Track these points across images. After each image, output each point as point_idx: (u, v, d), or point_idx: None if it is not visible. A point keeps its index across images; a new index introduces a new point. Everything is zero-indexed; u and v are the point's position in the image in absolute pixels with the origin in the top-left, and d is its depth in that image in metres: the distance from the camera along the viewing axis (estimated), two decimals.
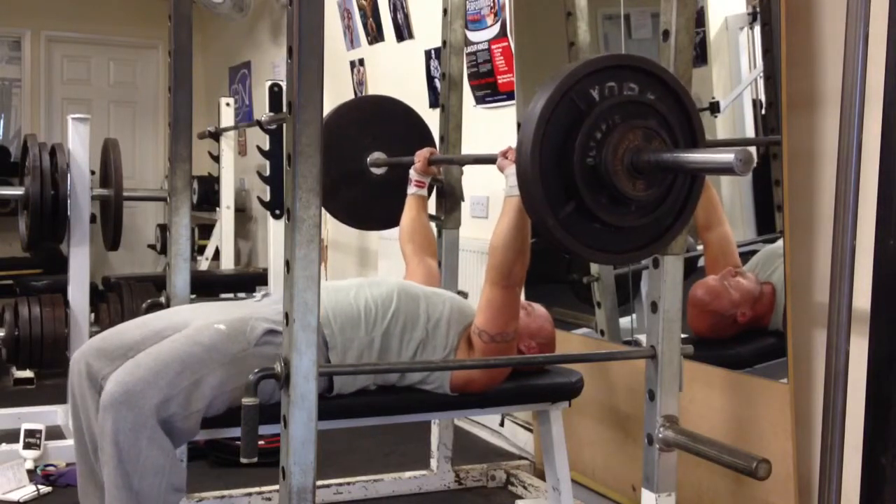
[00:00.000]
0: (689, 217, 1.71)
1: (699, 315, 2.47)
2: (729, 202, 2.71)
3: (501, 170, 2.27)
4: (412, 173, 2.78)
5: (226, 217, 5.83)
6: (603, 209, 1.59)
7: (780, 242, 2.36)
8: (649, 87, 1.62)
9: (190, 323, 2.14)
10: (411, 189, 2.79)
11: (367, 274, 4.77)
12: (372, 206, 3.00)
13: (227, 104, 5.87)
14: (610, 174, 1.56)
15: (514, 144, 3.48)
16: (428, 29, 4.12)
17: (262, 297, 2.31)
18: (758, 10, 2.46)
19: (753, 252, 2.55)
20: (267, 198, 5.04)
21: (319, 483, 1.92)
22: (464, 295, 2.66)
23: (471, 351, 2.22)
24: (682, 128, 1.64)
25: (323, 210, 1.60)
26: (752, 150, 2.55)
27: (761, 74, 2.45)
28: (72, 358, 2.17)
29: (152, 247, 6.95)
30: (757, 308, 2.42)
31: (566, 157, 1.56)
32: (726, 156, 1.45)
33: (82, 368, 2.10)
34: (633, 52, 2.94)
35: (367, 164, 2.96)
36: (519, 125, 3.42)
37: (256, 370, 1.67)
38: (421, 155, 2.76)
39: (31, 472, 3.03)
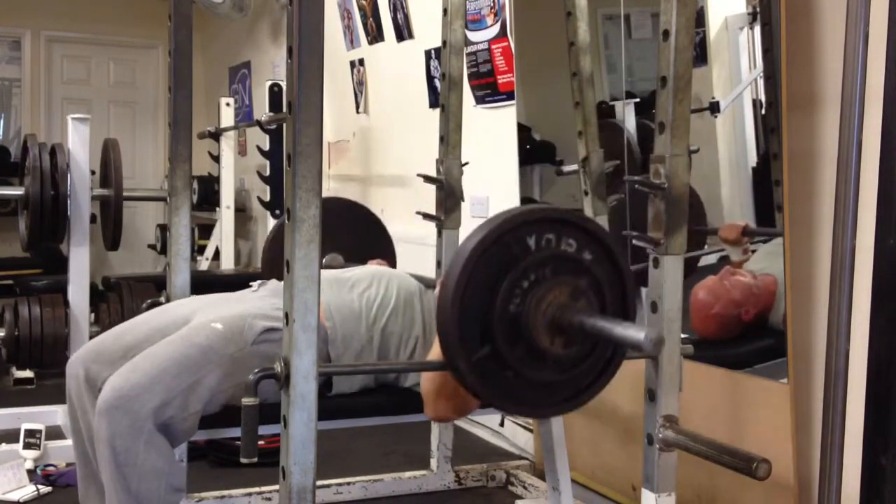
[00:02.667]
0: (609, 381, 1.68)
1: (704, 318, 2.47)
2: (729, 202, 2.71)
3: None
4: None
5: (226, 217, 5.83)
6: (518, 360, 1.55)
7: (775, 239, 2.37)
8: (587, 246, 1.60)
9: (189, 319, 2.13)
10: None
11: None
12: None
13: (227, 104, 5.88)
14: (529, 326, 1.53)
15: (512, 147, 3.49)
16: (428, 29, 4.12)
17: (258, 286, 2.30)
18: (758, 10, 2.46)
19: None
20: (267, 198, 5.04)
21: (319, 483, 1.92)
22: None
23: None
24: (614, 294, 1.61)
25: None
26: None
27: (761, 74, 2.45)
28: (68, 362, 2.16)
29: (152, 247, 6.94)
30: (759, 304, 2.42)
31: (490, 299, 1.53)
32: (638, 334, 1.45)
33: (80, 373, 2.09)
34: (632, 52, 2.94)
35: (323, 265, 2.94)
36: (519, 125, 3.42)
37: (256, 370, 1.67)
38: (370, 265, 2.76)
39: (31, 472, 3.03)
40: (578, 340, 1.57)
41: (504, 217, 1.55)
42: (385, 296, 2.22)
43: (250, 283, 2.34)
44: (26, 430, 3.12)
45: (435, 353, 1.99)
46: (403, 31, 4.41)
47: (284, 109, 1.85)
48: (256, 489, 2.81)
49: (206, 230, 6.10)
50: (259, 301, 2.15)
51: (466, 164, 2.96)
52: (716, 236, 2.60)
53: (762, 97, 2.46)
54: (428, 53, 4.15)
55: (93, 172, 3.55)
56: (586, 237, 1.60)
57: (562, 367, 1.60)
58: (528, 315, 1.53)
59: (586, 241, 1.60)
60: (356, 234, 3.02)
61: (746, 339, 2.47)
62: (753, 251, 2.54)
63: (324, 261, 2.91)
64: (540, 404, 1.65)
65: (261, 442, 1.72)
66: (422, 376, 2.07)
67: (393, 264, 2.98)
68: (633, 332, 1.48)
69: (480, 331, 1.54)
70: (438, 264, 2.93)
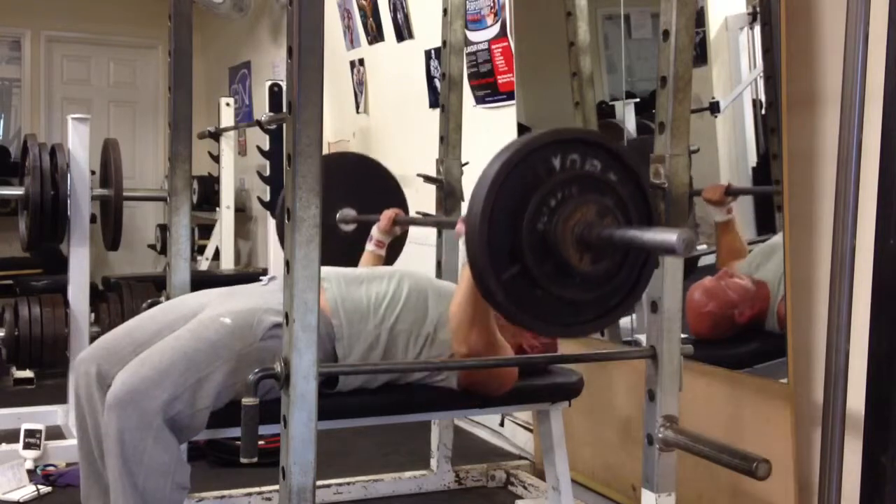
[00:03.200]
0: (638, 299, 1.69)
1: (698, 317, 2.48)
2: None
3: (458, 236, 2.26)
4: (374, 231, 2.77)
5: (226, 217, 5.82)
6: (547, 277, 1.56)
7: (772, 239, 2.37)
8: (612, 167, 1.61)
9: (198, 313, 2.13)
10: (370, 246, 2.76)
11: None
12: (338, 262, 2.97)
13: (227, 104, 5.87)
14: (557, 243, 1.54)
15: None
16: (428, 29, 4.12)
17: (268, 280, 2.29)
18: (758, 10, 2.46)
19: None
20: (267, 198, 5.04)
21: (319, 483, 1.92)
22: None
23: None
24: (639, 213, 1.63)
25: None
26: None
27: (761, 74, 2.45)
28: (77, 360, 2.15)
29: (152, 247, 6.94)
30: (754, 307, 2.42)
31: (517, 219, 1.54)
32: (669, 236, 1.46)
33: (91, 370, 2.07)
34: (632, 52, 2.94)
35: (336, 220, 2.94)
36: (519, 125, 3.42)
37: (256, 370, 1.67)
38: (386, 215, 2.76)
39: (31, 472, 3.03)
40: (607, 256, 1.59)
41: (528, 138, 1.56)
42: (395, 293, 2.21)
43: (260, 277, 2.34)
44: (26, 430, 3.12)
45: (465, 277, 2.04)
46: (403, 31, 4.41)
47: (284, 109, 1.85)
48: (256, 489, 2.81)
49: (206, 230, 6.10)
50: (269, 295, 2.13)
51: (466, 164, 2.96)
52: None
53: (762, 97, 2.46)
54: (428, 53, 4.15)
55: (93, 172, 3.55)
56: (610, 158, 1.61)
57: (590, 285, 1.61)
58: (557, 232, 1.54)
59: (610, 162, 1.61)
60: (366, 187, 3.01)
61: (746, 338, 2.47)
62: (750, 251, 2.55)
63: (337, 216, 2.91)
64: (569, 323, 1.66)
65: (261, 442, 1.72)
66: (452, 309, 2.11)
67: (405, 211, 2.96)
68: (664, 236, 1.49)
69: (509, 250, 1.55)
70: (438, 264, 2.93)
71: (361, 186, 3.00)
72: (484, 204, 1.52)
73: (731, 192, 2.49)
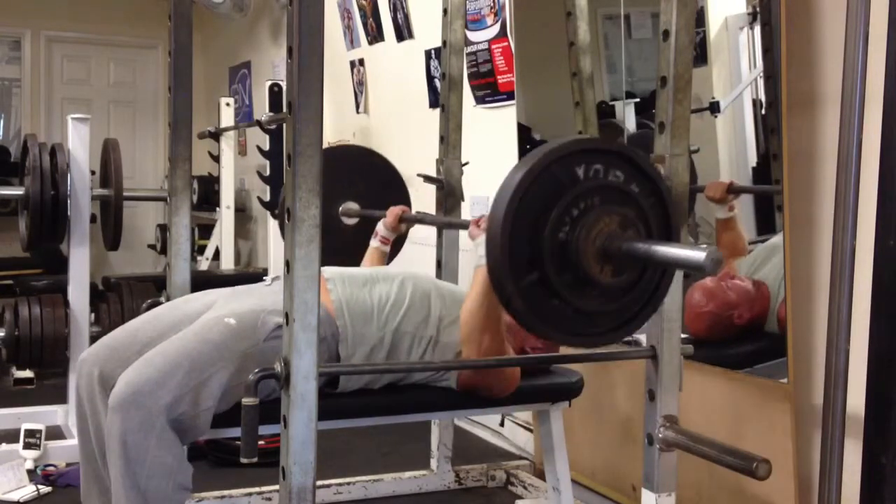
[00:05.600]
0: (655, 310, 1.68)
1: (696, 317, 2.47)
2: None
3: (472, 238, 2.24)
4: (380, 227, 2.76)
5: (226, 217, 5.82)
6: (566, 287, 1.55)
7: (773, 239, 2.37)
8: (635, 178, 1.60)
9: (203, 313, 2.13)
10: (374, 242, 2.75)
11: None
12: (339, 255, 2.95)
13: (227, 104, 5.87)
14: (579, 253, 1.52)
15: (512, 147, 3.49)
16: (428, 29, 4.12)
17: (272, 280, 2.28)
18: (758, 10, 2.46)
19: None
20: (267, 198, 5.04)
21: (319, 483, 1.92)
22: None
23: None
24: (659, 225, 1.61)
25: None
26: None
27: (761, 74, 2.45)
28: (79, 360, 2.15)
29: (152, 247, 6.94)
30: (754, 309, 2.42)
31: (539, 227, 1.52)
32: (698, 254, 1.44)
33: (94, 372, 2.07)
34: (632, 52, 2.94)
35: (339, 213, 2.93)
36: (519, 125, 3.42)
37: (256, 370, 1.67)
38: (393, 211, 2.75)
39: (31, 472, 3.03)
40: (627, 269, 1.57)
41: (552, 146, 1.55)
42: (399, 295, 2.21)
43: (263, 277, 2.33)
44: (26, 430, 3.12)
45: (478, 282, 2.02)
46: (403, 31, 4.41)
47: (284, 109, 1.85)
48: (256, 489, 2.81)
49: (206, 230, 6.10)
50: (272, 296, 2.12)
51: (466, 164, 2.96)
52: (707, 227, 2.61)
53: (762, 97, 2.46)
54: (428, 53, 4.15)
55: (93, 172, 3.55)
56: (633, 169, 1.60)
57: (609, 296, 1.59)
58: (578, 243, 1.53)
59: (633, 174, 1.60)
60: (370, 181, 2.99)
61: (746, 339, 2.47)
62: (751, 251, 2.55)
63: (339, 209, 2.90)
64: (587, 334, 1.64)
65: (261, 442, 1.72)
66: (464, 314, 2.09)
67: (409, 207, 2.94)
68: (692, 253, 1.47)
69: (529, 258, 1.53)
70: (439, 264, 2.93)
71: (366, 181, 2.99)
72: (506, 210, 1.50)
73: (734, 190, 2.49)
